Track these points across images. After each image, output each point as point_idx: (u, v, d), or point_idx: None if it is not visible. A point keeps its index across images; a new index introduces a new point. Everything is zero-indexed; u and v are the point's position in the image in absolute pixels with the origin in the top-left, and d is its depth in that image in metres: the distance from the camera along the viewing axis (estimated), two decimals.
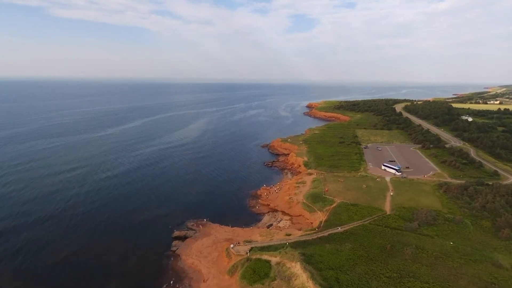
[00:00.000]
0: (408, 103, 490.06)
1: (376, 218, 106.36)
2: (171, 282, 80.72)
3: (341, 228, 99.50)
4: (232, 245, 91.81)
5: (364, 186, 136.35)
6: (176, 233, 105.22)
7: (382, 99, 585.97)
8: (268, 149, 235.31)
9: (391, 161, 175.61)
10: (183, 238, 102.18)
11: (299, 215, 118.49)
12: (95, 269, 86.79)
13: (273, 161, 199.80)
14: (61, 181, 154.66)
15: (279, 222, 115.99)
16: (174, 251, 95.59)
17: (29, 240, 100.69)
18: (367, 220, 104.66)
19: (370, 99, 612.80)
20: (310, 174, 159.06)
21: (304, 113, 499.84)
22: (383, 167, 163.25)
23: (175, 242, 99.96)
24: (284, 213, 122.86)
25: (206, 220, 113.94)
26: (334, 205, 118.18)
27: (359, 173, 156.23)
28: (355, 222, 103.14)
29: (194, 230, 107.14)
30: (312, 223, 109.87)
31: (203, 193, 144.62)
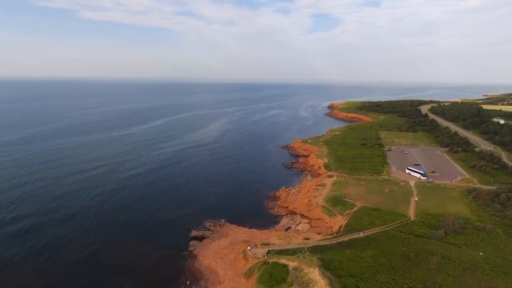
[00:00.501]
0: (435, 104, 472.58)
1: (399, 224, 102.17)
2: (188, 283, 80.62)
3: (362, 233, 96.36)
4: (249, 247, 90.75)
5: (387, 190, 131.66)
6: (194, 233, 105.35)
7: (407, 100, 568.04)
8: (288, 150, 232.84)
9: (416, 165, 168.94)
10: (200, 238, 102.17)
11: (318, 219, 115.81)
12: (115, 267, 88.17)
13: (293, 162, 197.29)
14: (86, 179, 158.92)
15: (297, 225, 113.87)
16: (191, 251, 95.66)
17: (55, 236, 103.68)
18: (389, 226, 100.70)
19: (394, 100, 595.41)
20: (330, 176, 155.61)
21: (325, 113, 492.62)
22: (407, 171, 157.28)
23: (192, 242, 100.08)
24: (303, 216, 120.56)
25: (223, 221, 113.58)
26: (355, 209, 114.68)
27: (382, 177, 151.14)
28: (377, 228, 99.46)
29: (211, 230, 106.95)
30: (331, 227, 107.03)
31: (222, 193, 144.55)
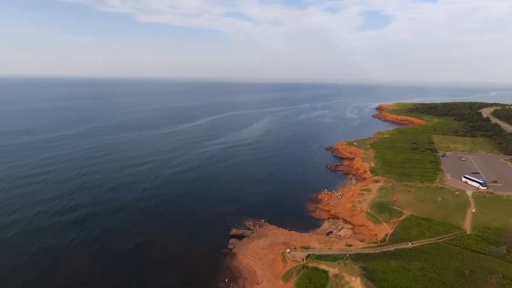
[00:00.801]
0: (499, 108, 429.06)
1: (453, 237, 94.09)
2: (226, 281, 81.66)
3: (411, 244, 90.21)
4: (288, 250, 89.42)
5: (440, 199, 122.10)
6: (234, 231, 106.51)
7: (466, 102, 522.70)
8: (332, 152, 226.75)
9: (474, 173, 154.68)
10: (240, 237, 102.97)
11: (362, 225, 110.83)
12: (158, 259, 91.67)
13: (337, 165, 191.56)
14: (137, 173, 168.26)
15: (339, 230, 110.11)
16: (230, 249, 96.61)
17: (108, 226, 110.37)
18: (441, 238, 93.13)
19: (450, 102, 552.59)
20: (376, 181, 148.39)
21: (373, 115, 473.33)
22: (464, 179, 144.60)
23: (232, 240, 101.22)
24: (345, 221, 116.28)
25: (264, 221, 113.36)
26: (403, 217, 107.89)
27: (434, 184, 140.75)
28: (427, 239, 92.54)
29: (251, 230, 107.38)
30: (376, 235, 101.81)
31: (263, 193, 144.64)
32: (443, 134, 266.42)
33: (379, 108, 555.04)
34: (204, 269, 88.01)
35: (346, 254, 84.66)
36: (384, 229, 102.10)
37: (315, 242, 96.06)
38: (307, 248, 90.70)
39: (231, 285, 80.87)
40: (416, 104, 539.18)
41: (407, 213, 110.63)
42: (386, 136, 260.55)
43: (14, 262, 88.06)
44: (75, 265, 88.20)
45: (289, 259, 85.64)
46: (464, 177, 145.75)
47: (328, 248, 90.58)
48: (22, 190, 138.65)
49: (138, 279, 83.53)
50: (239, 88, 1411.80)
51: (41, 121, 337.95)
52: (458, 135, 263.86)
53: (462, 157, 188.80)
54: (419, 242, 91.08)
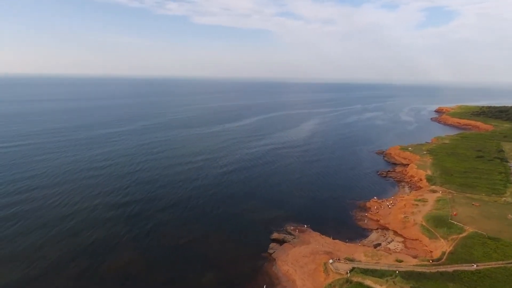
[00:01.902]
0: None
1: None
2: (264, 287, 79.16)
3: (476, 265, 79.86)
4: (331, 261, 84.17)
5: (510, 216, 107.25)
6: (275, 235, 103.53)
7: None
8: (384, 156, 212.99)
9: None
10: (281, 242, 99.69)
11: (415, 239, 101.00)
12: (200, 257, 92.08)
13: (388, 171, 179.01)
14: (187, 171, 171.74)
15: (389, 243, 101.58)
16: (270, 254, 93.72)
17: (156, 223, 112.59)
18: (511, 263, 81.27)
19: None
20: (433, 191, 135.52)
21: (431, 118, 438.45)
22: None
23: (272, 245, 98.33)
24: (396, 233, 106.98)
25: (306, 227, 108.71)
26: (464, 234, 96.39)
27: (504, 199, 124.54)
28: (494, 262, 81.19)
29: (293, 235, 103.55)
30: (431, 252, 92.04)
31: (307, 197, 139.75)
32: None
33: (438, 111, 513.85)
34: (243, 272, 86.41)
35: (396, 271, 77.27)
36: (441, 246, 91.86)
37: (361, 254, 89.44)
38: (351, 260, 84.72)
39: None
40: (483, 107, 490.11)
41: (469, 229, 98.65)
42: (446, 141, 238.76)
43: (75, 250, 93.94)
44: (125, 258, 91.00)
45: (332, 270, 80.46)
46: None
47: (376, 262, 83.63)
48: (83, 183, 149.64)
49: (180, 275, 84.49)
50: (289, 88, 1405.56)
51: (108, 116, 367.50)
52: None
53: None
54: (484, 265, 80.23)
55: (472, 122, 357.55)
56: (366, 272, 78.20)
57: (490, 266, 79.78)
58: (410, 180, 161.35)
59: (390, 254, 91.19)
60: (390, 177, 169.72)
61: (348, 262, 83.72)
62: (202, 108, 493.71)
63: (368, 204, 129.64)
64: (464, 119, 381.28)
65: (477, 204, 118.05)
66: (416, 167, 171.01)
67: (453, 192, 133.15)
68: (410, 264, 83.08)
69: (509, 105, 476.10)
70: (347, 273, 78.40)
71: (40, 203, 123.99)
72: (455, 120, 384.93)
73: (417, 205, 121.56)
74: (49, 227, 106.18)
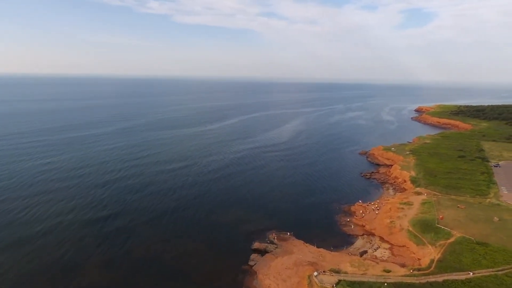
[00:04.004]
0: None
1: None
2: None
3: (472, 273, 75.88)
4: (316, 273, 78.40)
5: (496, 218, 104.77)
6: (256, 244, 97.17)
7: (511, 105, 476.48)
8: (367, 157, 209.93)
9: None
10: (262, 252, 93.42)
11: (402, 246, 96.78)
12: (175, 270, 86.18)
13: (372, 172, 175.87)
14: (162, 179, 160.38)
15: (375, 250, 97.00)
16: (251, 266, 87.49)
17: (131, 235, 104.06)
18: (501, 270, 77.52)
19: (500, 104, 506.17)
20: (418, 193, 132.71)
21: (411, 118, 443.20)
22: None
23: (253, 256, 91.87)
24: (382, 239, 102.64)
25: (289, 234, 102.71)
26: (452, 239, 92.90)
27: (488, 200, 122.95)
28: (484, 270, 77.47)
29: (275, 244, 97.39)
30: (419, 259, 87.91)
31: (289, 201, 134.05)
32: (494, 141, 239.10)
33: (418, 110, 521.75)
34: (221, 286, 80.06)
35: (384, 283, 72.64)
36: (429, 253, 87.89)
37: (347, 264, 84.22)
38: (337, 271, 79.15)
39: None
40: (461, 106, 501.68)
41: (456, 234, 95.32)
42: (427, 141, 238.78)
43: (42, 273, 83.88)
44: (95, 276, 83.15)
45: (317, 284, 74.71)
46: None
47: (363, 274, 78.50)
48: (55, 194, 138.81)
49: None
50: (272, 87, 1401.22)
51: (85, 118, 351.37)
52: (511, 142, 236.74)
53: None
54: (474, 273, 76.57)
55: (452, 121, 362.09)
56: (353, 285, 73.05)
57: (480, 274, 75.92)
58: (394, 182, 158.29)
59: (377, 263, 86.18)
60: (374, 178, 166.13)
61: (333, 274, 78.16)
62: (186, 109, 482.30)
63: (353, 208, 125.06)
64: (443, 118, 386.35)
65: (462, 207, 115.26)
66: (399, 168, 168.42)
67: (438, 194, 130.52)
68: (398, 274, 78.27)
69: (486, 105, 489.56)
70: (333, 286, 72.98)
71: (5, 219, 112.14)
72: (435, 120, 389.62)
73: (402, 208, 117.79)
74: (14, 248, 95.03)
